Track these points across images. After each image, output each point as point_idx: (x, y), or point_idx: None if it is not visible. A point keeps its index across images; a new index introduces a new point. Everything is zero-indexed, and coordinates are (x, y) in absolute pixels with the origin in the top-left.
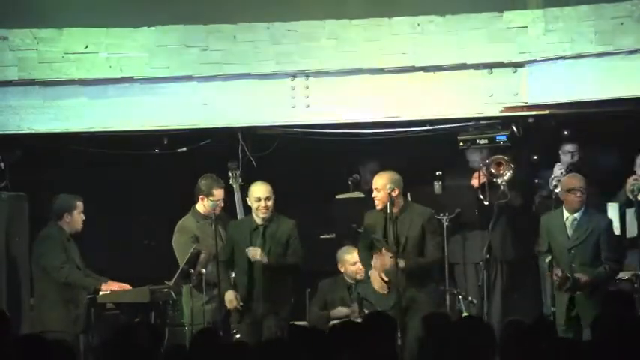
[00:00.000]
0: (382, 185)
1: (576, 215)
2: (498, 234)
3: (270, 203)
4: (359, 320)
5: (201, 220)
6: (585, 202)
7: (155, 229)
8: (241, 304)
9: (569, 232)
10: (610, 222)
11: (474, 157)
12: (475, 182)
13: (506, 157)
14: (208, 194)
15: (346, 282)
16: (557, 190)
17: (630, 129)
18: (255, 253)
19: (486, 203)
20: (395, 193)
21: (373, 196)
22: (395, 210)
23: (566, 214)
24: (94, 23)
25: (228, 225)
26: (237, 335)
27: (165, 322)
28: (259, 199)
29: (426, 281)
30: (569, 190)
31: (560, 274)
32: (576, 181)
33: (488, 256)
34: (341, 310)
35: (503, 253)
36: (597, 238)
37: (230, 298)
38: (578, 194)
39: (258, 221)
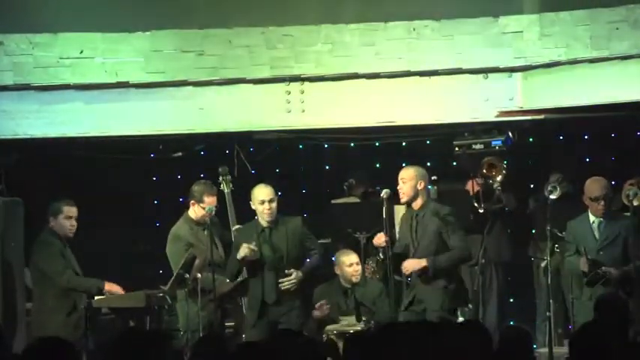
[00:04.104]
0: (409, 176)
1: (602, 218)
2: (494, 238)
3: (274, 205)
4: (358, 328)
5: (194, 227)
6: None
7: (151, 234)
8: (255, 249)
9: (597, 234)
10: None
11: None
12: (470, 188)
13: (498, 159)
14: (200, 200)
15: (342, 286)
16: (552, 197)
17: (626, 134)
18: (246, 250)
19: (481, 211)
20: (420, 186)
21: (398, 188)
22: (417, 206)
23: (592, 217)
24: (90, 28)
25: (234, 232)
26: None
27: (161, 327)
28: (263, 202)
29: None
30: (592, 199)
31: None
32: (599, 188)
33: (483, 260)
34: (342, 326)
35: (499, 257)
36: (624, 238)
37: (244, 247)
38: (602, 203)
39: (264, 224)
